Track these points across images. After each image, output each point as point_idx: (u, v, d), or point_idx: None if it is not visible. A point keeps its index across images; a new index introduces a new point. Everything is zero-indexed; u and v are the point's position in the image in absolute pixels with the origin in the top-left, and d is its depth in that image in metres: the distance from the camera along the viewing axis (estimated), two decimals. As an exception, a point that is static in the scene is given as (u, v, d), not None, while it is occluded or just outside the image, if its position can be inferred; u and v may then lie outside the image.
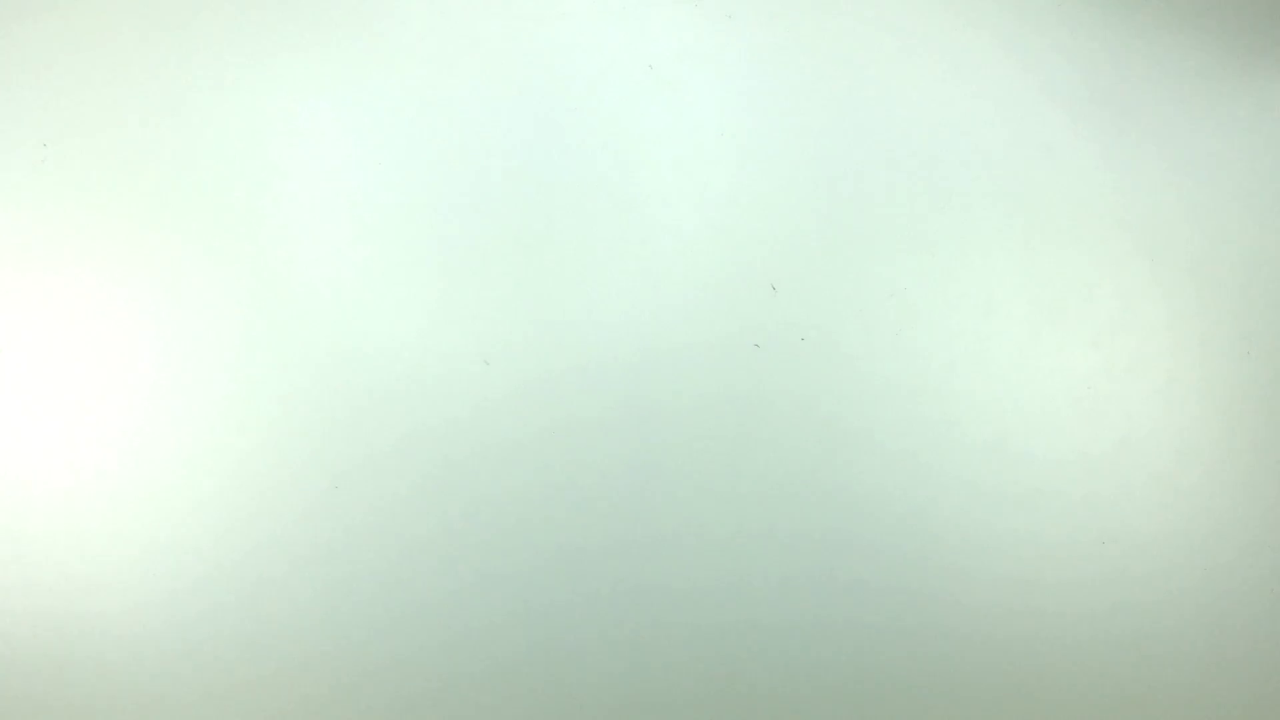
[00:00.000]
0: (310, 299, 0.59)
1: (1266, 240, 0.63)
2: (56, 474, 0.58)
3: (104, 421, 0.58)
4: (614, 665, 0.58)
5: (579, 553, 0.59)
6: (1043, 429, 0.62)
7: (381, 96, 0.60)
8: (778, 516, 0.60)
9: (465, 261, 0.60)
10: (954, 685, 0.60)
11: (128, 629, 0.57)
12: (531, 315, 0.60)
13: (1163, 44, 0.64)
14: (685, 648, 0.59)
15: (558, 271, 0.61)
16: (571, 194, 0.61)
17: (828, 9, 0.63)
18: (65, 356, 0.59)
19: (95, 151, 0.60)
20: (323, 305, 0.59)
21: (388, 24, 0.61)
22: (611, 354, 0.60)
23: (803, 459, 0.61)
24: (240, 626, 0.58)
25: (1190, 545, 0.62)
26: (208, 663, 0.58)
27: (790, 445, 0.61)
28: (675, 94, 0.62)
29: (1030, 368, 0.62)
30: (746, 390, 0.61)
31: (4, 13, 0.60)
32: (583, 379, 0.60)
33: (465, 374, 0.59)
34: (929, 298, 0.62)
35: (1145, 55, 0.64)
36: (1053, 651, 0.61)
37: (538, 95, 0.61)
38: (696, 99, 0.62)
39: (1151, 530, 0.62)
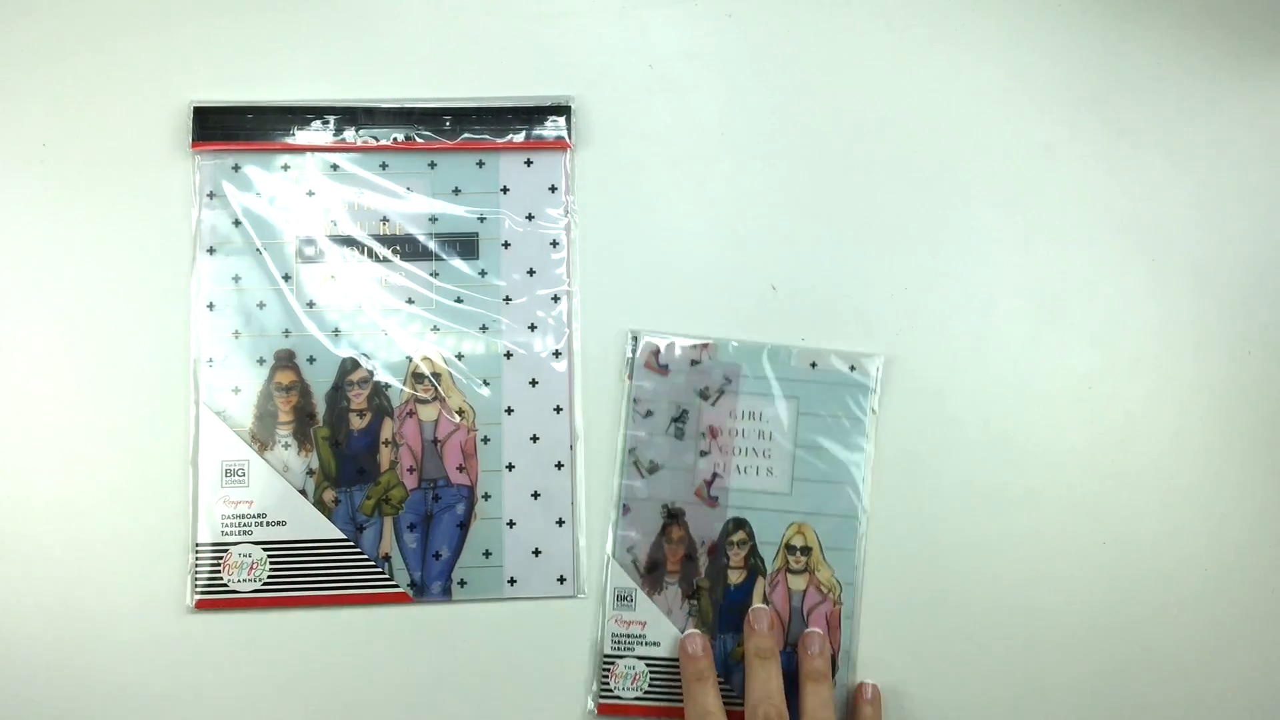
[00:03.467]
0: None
1: (1266, 240, 0.63)
2: (58, 473, 0.58)
3: (106, 419, 0.58)
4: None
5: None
6: (1043, 429, 0.62)
7: (381, 94, 0.60)
8: (778, 516, 0.60)
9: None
10: (955, 684, 0.61)
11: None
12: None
13: (1162, 44, 0.64)
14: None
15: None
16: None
17: (827, 9, 0.63)
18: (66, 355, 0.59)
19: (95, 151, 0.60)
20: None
21: (388, 23, 0.61)
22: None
23: (803, 459, 0.61)
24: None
25: (1190, 545, 0.62)
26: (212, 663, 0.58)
27: (790, 445, 0.61)
28: (675, 94, 0.62)
29: (1030, 368, 0.62)
30: (747, 390, 0.61)
31: (4, 13, 0.60)
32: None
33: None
34: (929, 298, 0.62)
35: (1144, 55, 0.64)
36: (1053, 650, 0.61)
37: (538, 94, 0.61)
38: (696, 99, 0.62)
39: (1151, 530, 0.62)
